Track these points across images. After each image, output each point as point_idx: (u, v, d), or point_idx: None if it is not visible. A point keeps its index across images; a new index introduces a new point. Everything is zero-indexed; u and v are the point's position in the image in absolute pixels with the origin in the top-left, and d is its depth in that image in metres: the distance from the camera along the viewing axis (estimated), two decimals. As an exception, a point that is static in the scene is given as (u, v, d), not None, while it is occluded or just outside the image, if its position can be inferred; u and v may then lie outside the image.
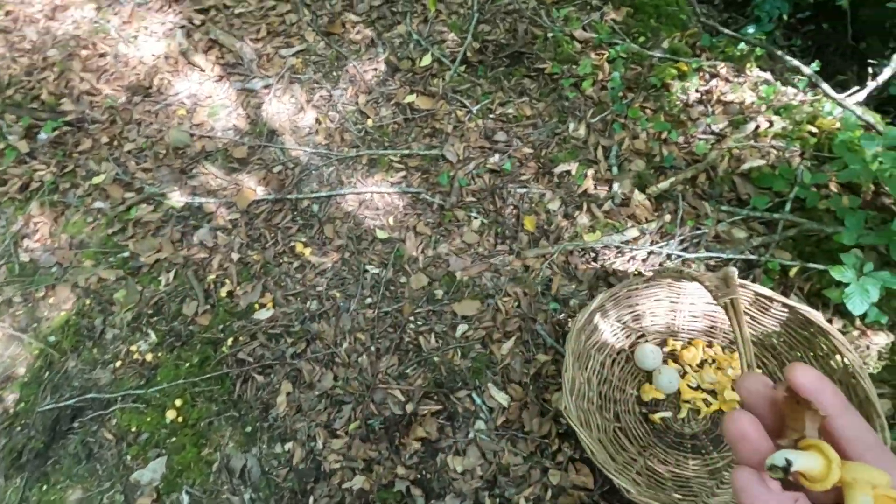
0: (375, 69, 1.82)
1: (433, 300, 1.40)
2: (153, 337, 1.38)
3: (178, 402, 1.27)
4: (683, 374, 1.22)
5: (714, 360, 1.23)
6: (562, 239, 1.45)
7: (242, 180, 1.64)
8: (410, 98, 1.74)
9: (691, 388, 1.20)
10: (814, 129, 1.52)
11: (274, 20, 1.98)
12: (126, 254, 1.53)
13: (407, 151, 1.62)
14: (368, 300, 1.42)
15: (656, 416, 1.18)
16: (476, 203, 1.53)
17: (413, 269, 1.45)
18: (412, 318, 1.39)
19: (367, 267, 1.47)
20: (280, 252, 1.51)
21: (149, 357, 1.35)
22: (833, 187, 1.44)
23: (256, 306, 1.43)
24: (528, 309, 1.37)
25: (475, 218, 1.50)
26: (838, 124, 1.51)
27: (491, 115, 1.68)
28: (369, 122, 1.71)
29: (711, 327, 1.24)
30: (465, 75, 1.76)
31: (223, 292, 1.45)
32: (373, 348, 1.35)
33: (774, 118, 1.55)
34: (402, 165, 1.62)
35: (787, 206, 1.38)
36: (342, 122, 1.73)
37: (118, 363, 1.35)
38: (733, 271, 1.00)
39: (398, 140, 1.68)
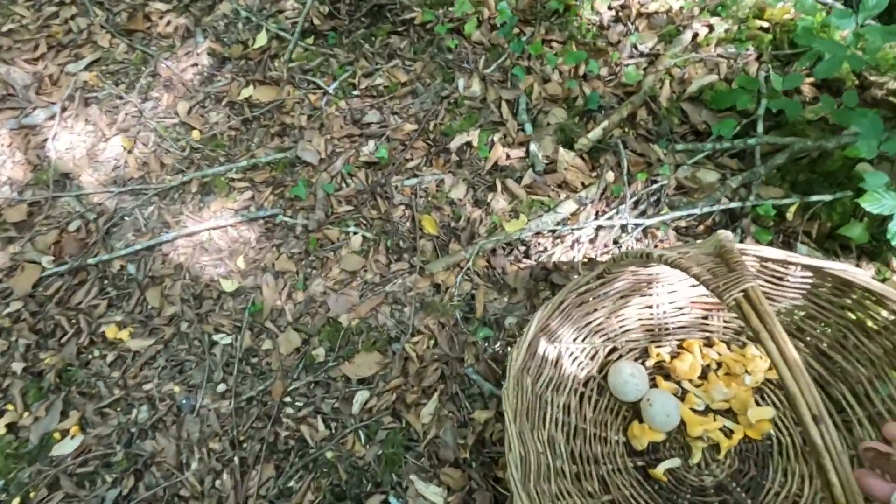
0: (196, 65, 1.36)
1: (314, 366, 0.97)
2: None
3: None
4: (683, 396, 0.83)
5: (720, 365, 0.84)
6: (477, 236, 1.04)
7: (23, 253, 1.14)
8: (247, 92, 1.29)
9: (698, 412, 0.82)
10: (765, 24, 1.17)
11: (57, 30, 1.48)
12: None
13: (245, 163, 1.17)
14: (221, 387, 0.97)
15: (660, 471, 0.78)
16: (353, 212, 1.10)
17: (279, 325, 1.01)
18: (288, 400, 0.95)
19: (215, 337, 1.02)
20: (85, 345, 1.03)
21: None
22: (807, 91, 1.09)
23: (56, 436, 0.95)
24: (449, 347, 0.95)
25: (354, 233, 1.07)
26: (792, 12, 1.17)
27: (355, 92, 1.25)
28: (195, 134, 1.25)
29: (705, 318, 0.86)
30: (313, 48, 1.32)
31: (1, 426, 0.96)
32: (236, 459, 0.90)
33: (714, 21, 1.19)
34: (246, 183, 1.17)
35: (760, 127, 1.02)
36: (159, 142, 1.26)
37: None
38: (727, 238, 0.62)
39: (238, 151, 1.22)
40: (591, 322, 0.85)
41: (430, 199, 1.09)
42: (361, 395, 0.93)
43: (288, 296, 1.03)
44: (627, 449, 0.82)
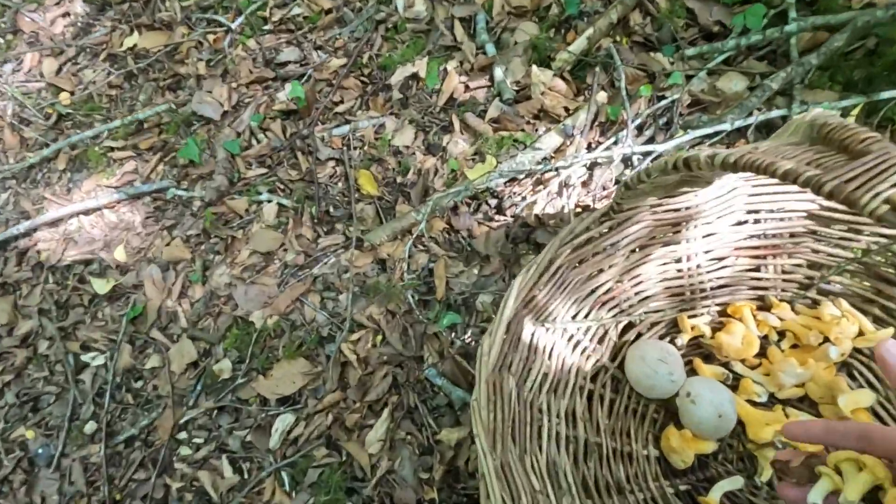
0: (69, 14, 1.08)
1: (216, 386, 0.70)
2: None
3: None
4: (736, 385, 0.58)
5: (783, 334, 0.59)
6: (432, 191, 0.77)
7: None
8: (131, 40, 1.01)
9: (760, 406, 0.56)
10: None
11: None
12: None
13: (120, 122, 0.89)
14: (91, 426, 0.70)
15: (714, 497, 0.53)
16: (266, 175, 0.83)
17: (170, 333, 0.74)
18: (182, 436, 0.68)
19: (84, 357, 0.74)
20: None
21: None
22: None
23: None
24: (402, 343, 0.69)
25: (268, 202, 0.80)
26: None
27: (266, 27, 0.97)
28: (64, 97, 0.97)
29: (755, 269, 0.60)
30: (213, -20, 1.04)
31: None
32: (110, 529, 0.63)
33: None
34: (128, 152, 0.89)
35: (793, 13, 0.76)
36: (18, 111, 0.97)
37: None
38: (823, 114, 0.36)
39: (118, 113, 0.94)
40: (595, 288, 0.59)
41: (367, 149, 0.82)
42: (283, 421, 0.66)
43: (181, 293, 0.76)
44: (663, 467, 0.57)
